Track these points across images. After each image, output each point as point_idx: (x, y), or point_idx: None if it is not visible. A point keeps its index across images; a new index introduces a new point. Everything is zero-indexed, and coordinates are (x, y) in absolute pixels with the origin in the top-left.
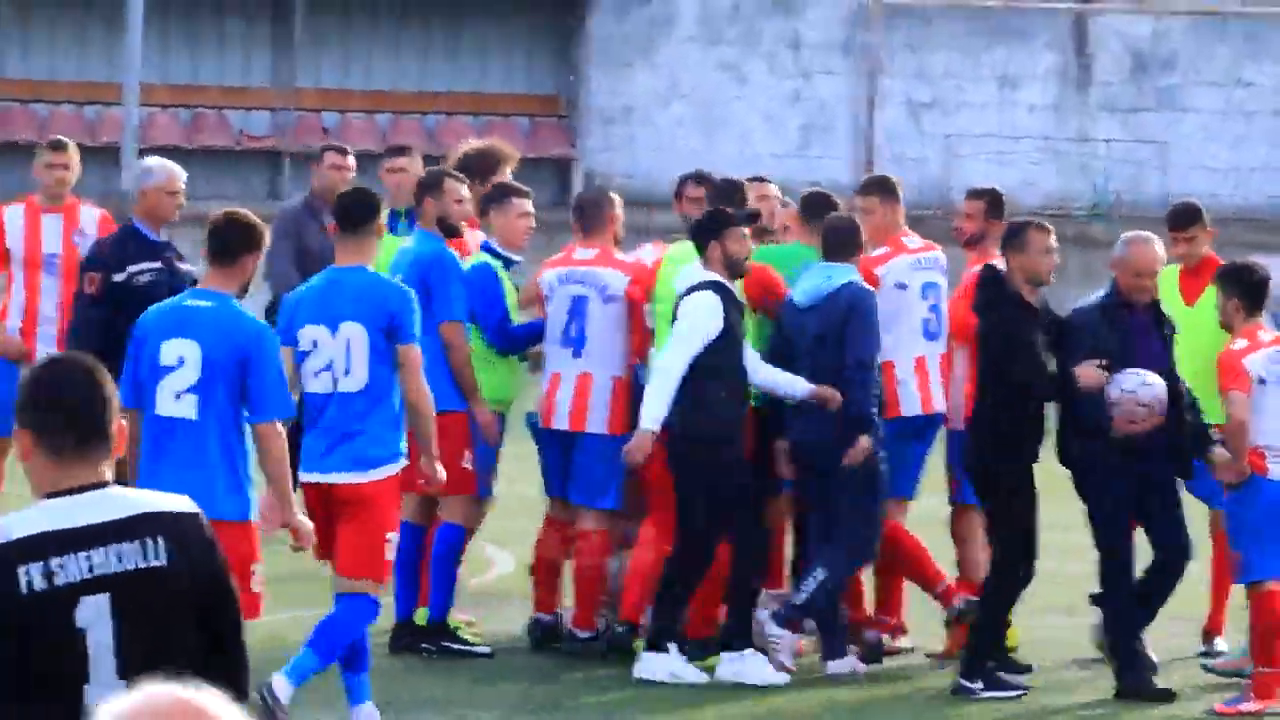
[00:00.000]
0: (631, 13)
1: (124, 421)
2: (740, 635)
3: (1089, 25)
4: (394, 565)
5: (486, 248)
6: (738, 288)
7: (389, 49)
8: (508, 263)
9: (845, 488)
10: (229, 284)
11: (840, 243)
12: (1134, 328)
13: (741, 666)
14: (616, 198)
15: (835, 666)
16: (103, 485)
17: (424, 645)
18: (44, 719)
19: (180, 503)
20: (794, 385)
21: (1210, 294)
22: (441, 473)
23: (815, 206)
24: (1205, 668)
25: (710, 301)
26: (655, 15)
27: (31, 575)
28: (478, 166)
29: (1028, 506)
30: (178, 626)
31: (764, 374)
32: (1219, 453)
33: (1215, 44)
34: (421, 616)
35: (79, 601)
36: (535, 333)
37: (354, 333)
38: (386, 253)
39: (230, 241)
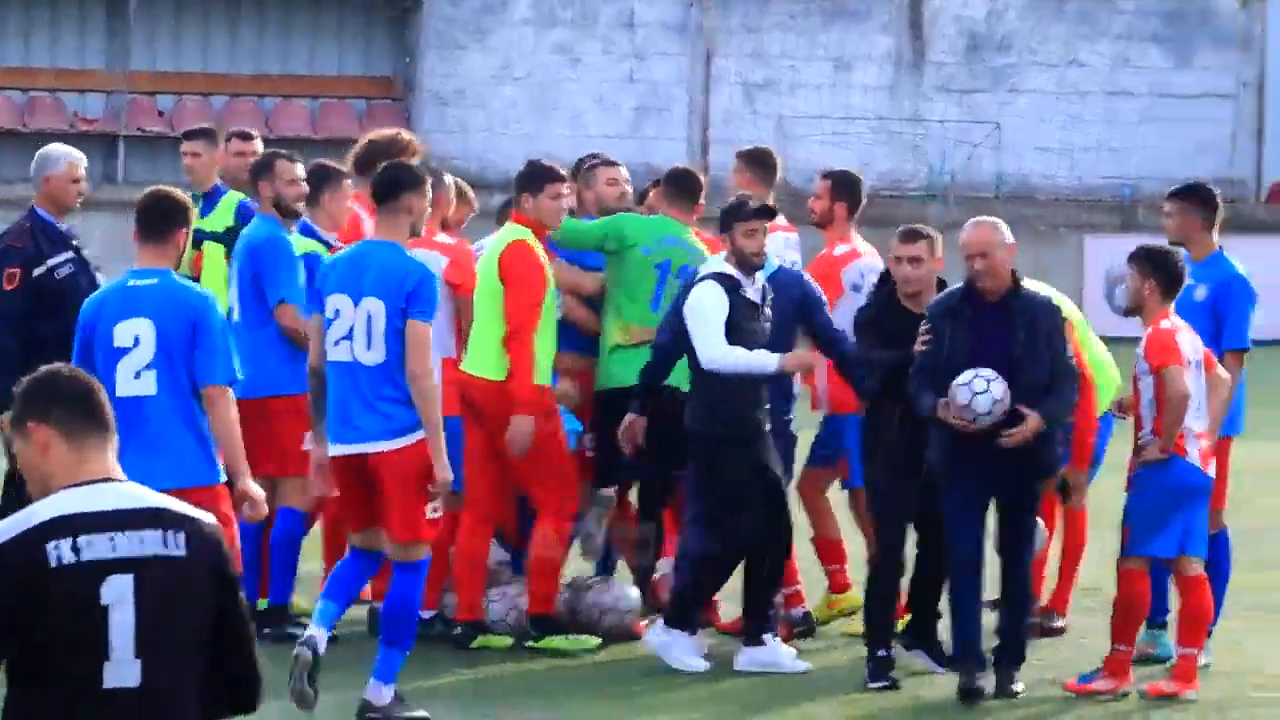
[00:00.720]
0: None
1: None
2: (758, 630)
3: (924, 6)
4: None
5: (304, 229)
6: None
7: (224, 32)
8: (327, 245)
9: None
10: (165, 259)
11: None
12: (975, 318)
13: (764, 656)
14: (452, 180)
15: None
16: (117, 480)
17: (264, 629)
18: (65, 693)
19: (192, 510)
20: (764, 361)
21: None
22: (447, 470)
23: (679, 181)
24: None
25: (712, 293)
26: None
27: (61, 550)
28: (384, 154)
29: (899, 490)
30: (191, 616)
31: (730, 359)
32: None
33: (1050, 24)
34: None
35: (105, 579)
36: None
37: (374, 308)
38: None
39: (161, 218)
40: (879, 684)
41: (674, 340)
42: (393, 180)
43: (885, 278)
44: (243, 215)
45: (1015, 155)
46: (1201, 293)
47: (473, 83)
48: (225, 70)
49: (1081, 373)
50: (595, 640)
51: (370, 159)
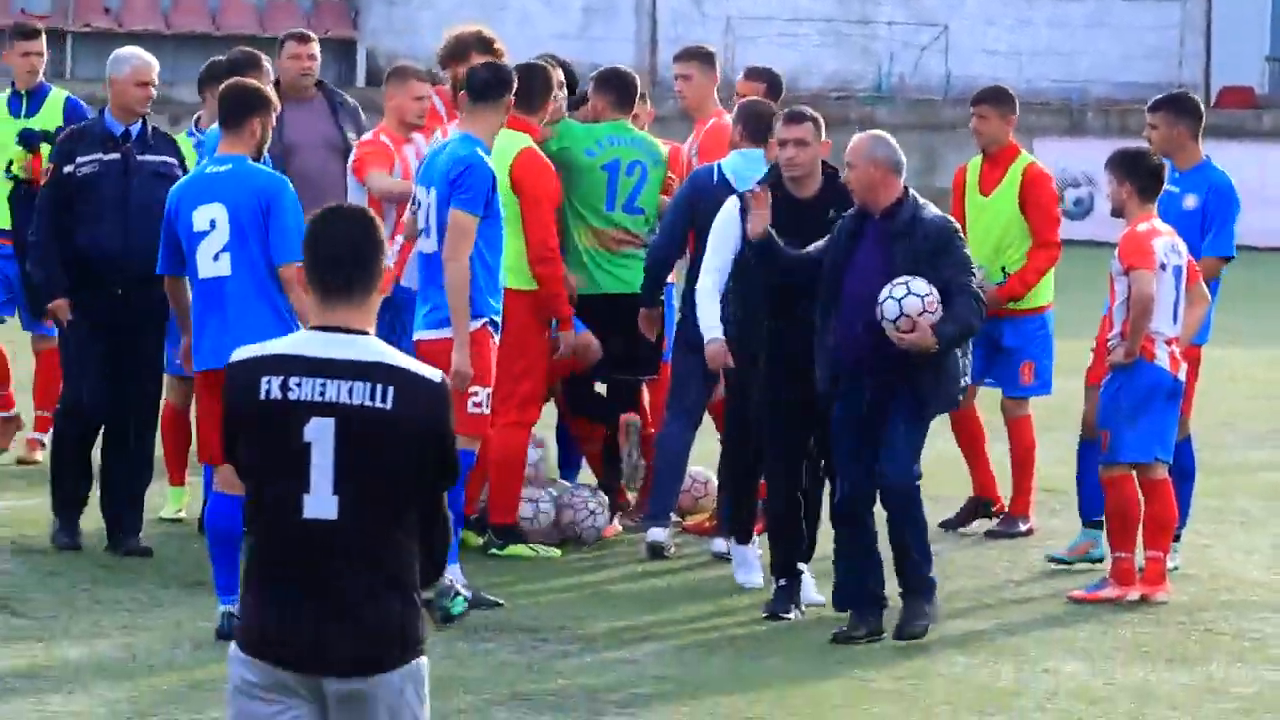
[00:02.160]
0: None
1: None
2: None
3: None
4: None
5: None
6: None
7: None
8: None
9: None
10: (240, 146)
11: (759, 128)
12: (857, 234)
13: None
14: (412, 80)
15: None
16: (361, 333)
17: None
18: (271, 516)
19: (429, 371)
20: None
21: (1008, 184)
22: (465, 364)
23: (609, 82)
24: (1050, 557)
25: (727, 210)
26: None
27: (271, 385)
28: (453, 51)
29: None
30: (392, 465)
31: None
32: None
33: None
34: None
35: (309, 419)
36: None
37: (433, 198)
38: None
39: (236, 107)
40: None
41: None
42: (493, 82)
43: (772, 170)
44: (71, 113)
45: (963, 58)
46: (1191, 201)
47: None
48: None
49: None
50: (558, 551)
51: (456, 53)
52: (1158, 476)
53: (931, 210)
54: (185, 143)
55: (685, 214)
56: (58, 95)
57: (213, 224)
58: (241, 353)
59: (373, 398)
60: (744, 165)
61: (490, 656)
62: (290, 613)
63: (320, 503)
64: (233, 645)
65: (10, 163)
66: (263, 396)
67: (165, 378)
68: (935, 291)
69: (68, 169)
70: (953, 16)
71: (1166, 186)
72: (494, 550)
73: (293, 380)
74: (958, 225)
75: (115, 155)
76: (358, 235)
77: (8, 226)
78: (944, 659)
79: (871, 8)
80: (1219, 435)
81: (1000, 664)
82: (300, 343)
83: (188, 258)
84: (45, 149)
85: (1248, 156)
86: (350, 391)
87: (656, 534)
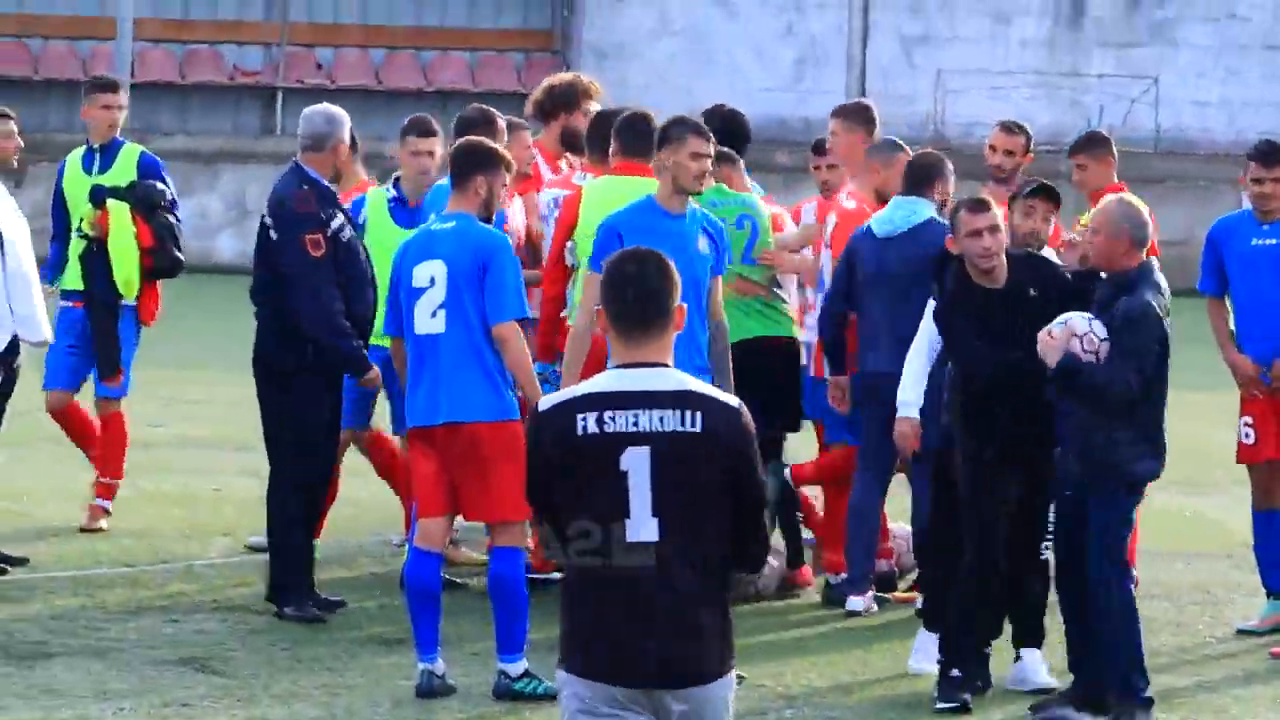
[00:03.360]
0: None
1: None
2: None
3: None
4: None
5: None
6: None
7: None
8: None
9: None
10: (466, 204)
11: (920, 178)
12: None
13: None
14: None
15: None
16: (663, 365)
17: None
18: (594, 538)
19: (727, 398)
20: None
21: None
22: None
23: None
24: (1241, 630)
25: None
26: None
27: (587, 421)
28: (563, 100)
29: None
30: (704, 483)
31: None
32: None
33: None
34: None
35: (624, 449)
36: None
37: (443, 272)
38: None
39: (462, 166)
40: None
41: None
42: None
43: (951, 265)
44: (147, 169)
45: (1173, 110)
46: None
47: (631, 36)
48: (384, 22)
49: None
50: None
51: (552, 105)
52: None
53: (1152, 287)
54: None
55: (842, 273)
56: (131, 150)
57: (432, 280)
58: (549, 400)
59: (683, 423)
60: (893, 211)
61: None
62: (619, 632)
63: (642, 526)
64: (561, 672)
65: (81, 220)
66: (580, 432)
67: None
68: (1106, 338)
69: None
70: (1163, 68)
71: (1259, 241)
72: None
73: (607, 414)
74: (1159, 313)
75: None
76: (654, 275)
77: (80, 287)
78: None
79: (1082, 60)
80: None
81: None
82: (606, 382)
83: (405, 313)
84: (114, 205)
85: None
86: (661, 420)
87: (854, 603)
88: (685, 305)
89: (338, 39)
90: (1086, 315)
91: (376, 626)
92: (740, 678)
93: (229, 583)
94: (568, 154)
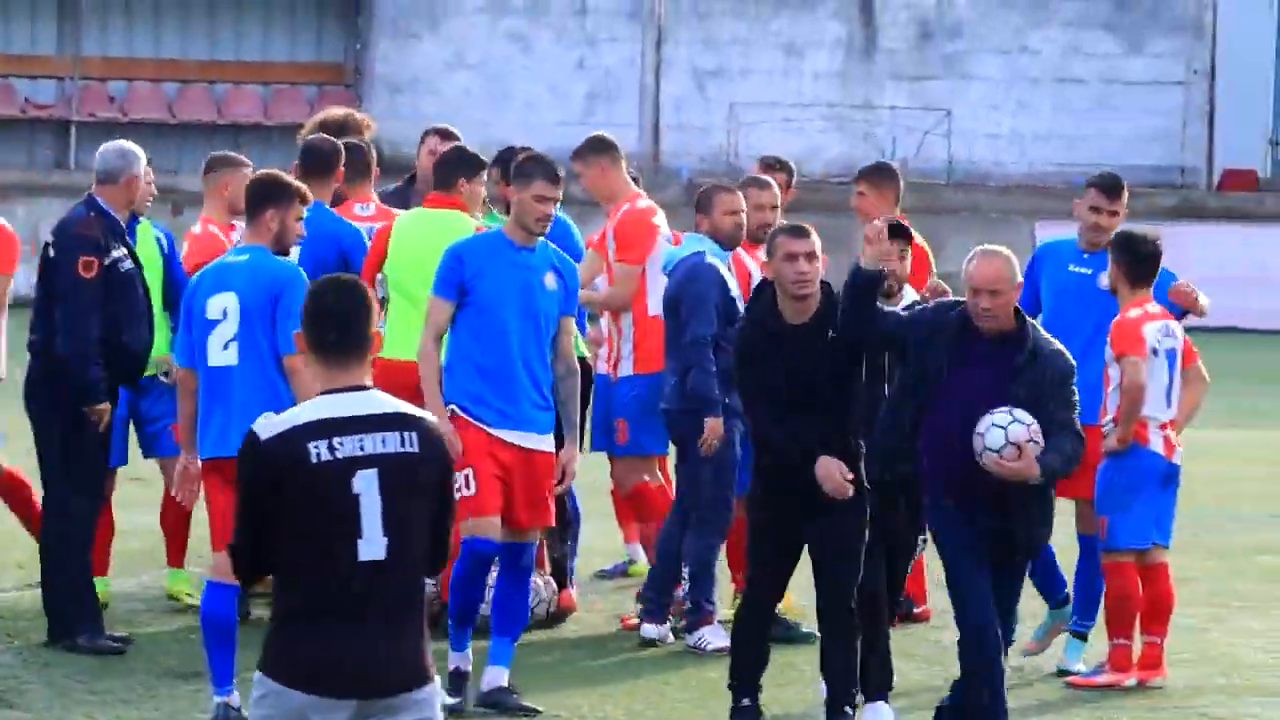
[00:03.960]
0: None
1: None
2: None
3: None
4: None
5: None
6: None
7: (176, 18)
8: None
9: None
10: (258, 238)
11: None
12: (971, 352)
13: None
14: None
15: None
16: (365, 388)
17: None
18: (329, 562)
19: (422, 413)
20: None
21: None
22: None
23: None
24: (1061, 670)
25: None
26: None
27: (319, 449)
28: (336, 133)
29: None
30: (421, 499)
31: None
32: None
33: (1000, 11)
34: None
35: (355, 473)
36: None
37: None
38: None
39: (253, 199)
40: None
41: None
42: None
43: (763, 286)
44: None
45: (966, 142)
46: (1104, 280)
47: (425, 70)
48: (178, 56)
49: None
50: None
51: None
52: (1155, 561)
53: (1049, 341)
54: (146, 230)
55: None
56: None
57: (224, 313)
58: (268, 429)
59: (402, 444)
60: (694, 245)
61: None
62: (342, 645)
63: (373, 545)
64: (271, 681)
65: None
66: (315, 460)
67: (160, 461)
68: (1036, 423)
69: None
70: (956, 101)
71: (1076, 268)
72: None
73: (336, 440)
74: (1074, 364)
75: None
76: (355, 302)
77: None
78: None
79: (875, 92)
80: (1219, 518)
81: None
82: (323, 408)
83: (198, 346)
84: None
85: (1250, 239)
86: (384, 441)
87: (649, 631)
88: (382, 332)
89: (131, 72)
90: (1007, 417)
91: (172, 659)
92: (534, 711)
93: (23, 616)
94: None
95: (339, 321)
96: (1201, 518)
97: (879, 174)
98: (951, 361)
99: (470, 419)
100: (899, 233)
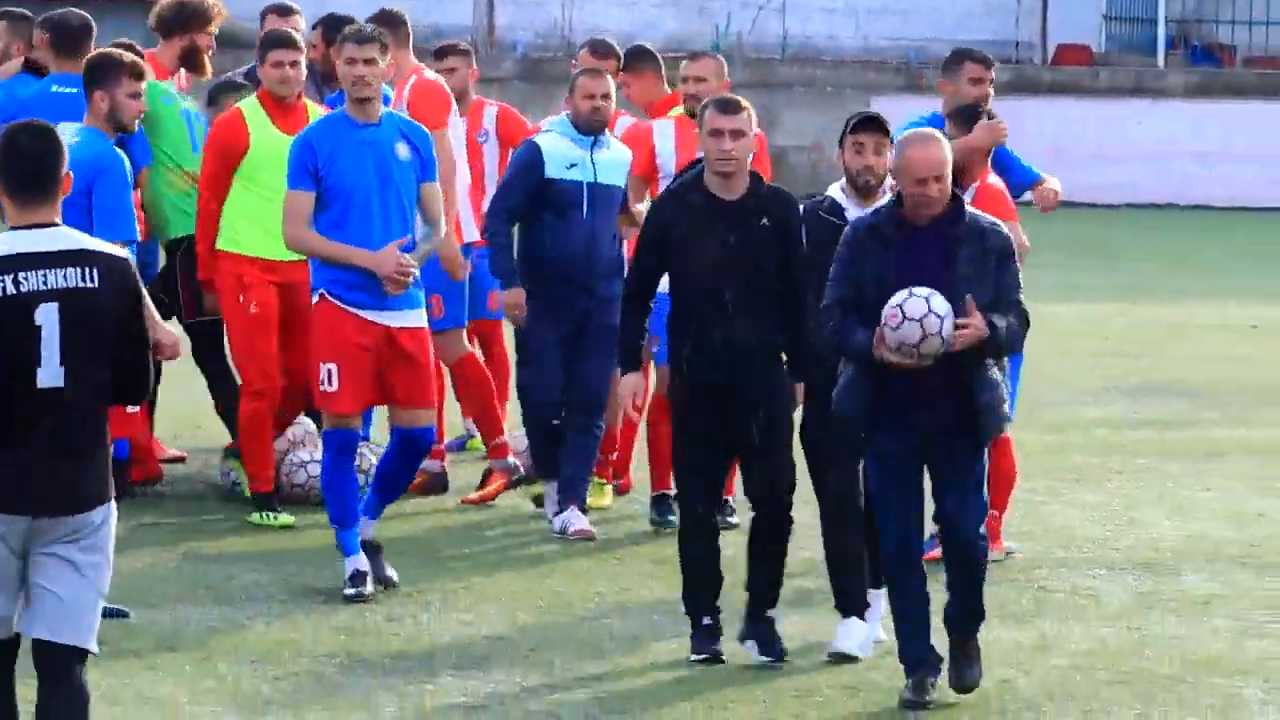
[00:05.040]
0: None
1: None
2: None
3: None
4: None
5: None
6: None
7: None
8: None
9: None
10: (91, 119)
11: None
12: (903, 242)
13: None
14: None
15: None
16: (54, 225)
17: None
18: (10, 388)
19: (114, 249)
20: None
21: None
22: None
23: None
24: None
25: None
26: None
27: (5, 283)
28: (194, 18)
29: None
30: (103, 333)
31: None
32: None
33: None
34: None
35: (37, 306)
36: None
37: None
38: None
39: (85, 80)
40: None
41: None
42: None
43: (697, 160)
44: None
45: (801, 16)
46: None
47: None
48: None
49: None
50: (288, 519)
51: (179, 22)
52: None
53: (982, 215)
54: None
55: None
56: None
57: None
58: None
59: (83, 279)
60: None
61: (324, 620)
62: (19, 465)
63: (50, 373)
64: None
65: None
66: (1, 294)
67: None
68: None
69: None
70: None
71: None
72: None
73: (20, 275)
74: (1010, 237)
75: None
76: (44, 144)
77: None
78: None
79: None
80: (1052, 392)
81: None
82: (12, 243)
83: None
84: None
85: (1085, 114)
86: (65, 276)
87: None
88: (72, 174)
89: None
90: (926, 291)
91: None
92: (124, 613)
93: None
94: (184, 71)
95: (29, 163)
96: (1035, 392)
97: (636, 60)
98: (899, 266)
99: (341, 304)
100: (871, 124)
